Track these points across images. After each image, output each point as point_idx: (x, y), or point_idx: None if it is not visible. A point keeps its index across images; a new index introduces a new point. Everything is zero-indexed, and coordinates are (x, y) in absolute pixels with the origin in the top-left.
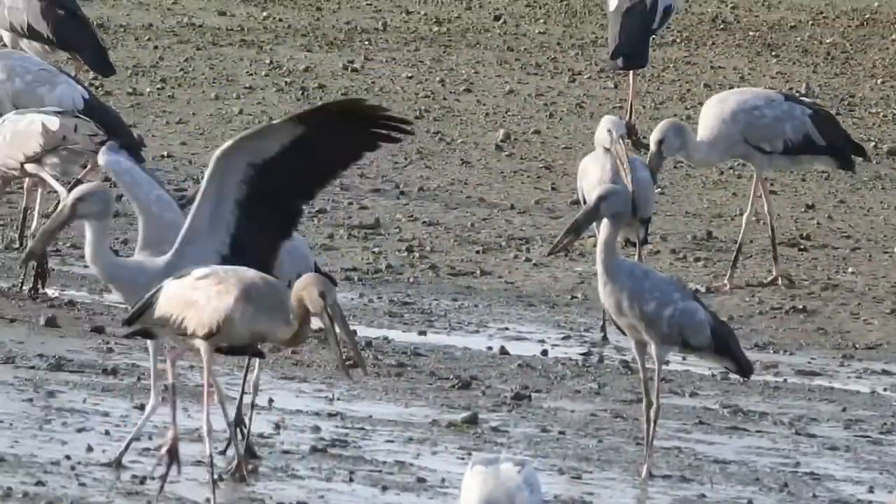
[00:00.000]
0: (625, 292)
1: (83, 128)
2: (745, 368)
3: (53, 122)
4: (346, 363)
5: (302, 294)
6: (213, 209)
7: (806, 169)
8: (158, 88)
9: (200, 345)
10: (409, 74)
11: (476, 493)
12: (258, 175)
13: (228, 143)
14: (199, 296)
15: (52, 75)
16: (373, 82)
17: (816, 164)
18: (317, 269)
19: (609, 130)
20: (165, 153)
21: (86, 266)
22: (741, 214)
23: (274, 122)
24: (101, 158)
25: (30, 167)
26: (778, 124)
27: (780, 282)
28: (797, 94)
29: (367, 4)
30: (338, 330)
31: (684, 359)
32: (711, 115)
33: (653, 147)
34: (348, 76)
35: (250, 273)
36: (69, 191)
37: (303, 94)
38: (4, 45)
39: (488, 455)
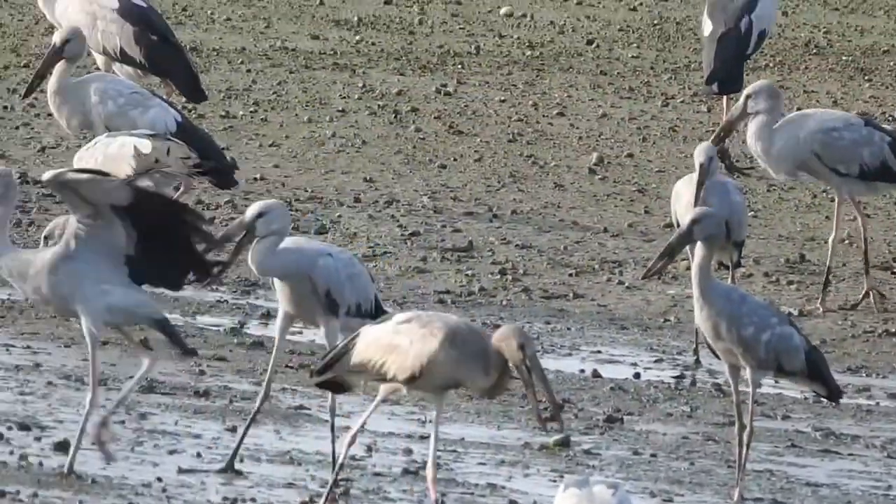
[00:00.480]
0: (722, 317)
1: (176, 151)
2: (834, 393)
3: (146, 146)
4: (544, 416)
5: (501, 345)
6: None
7: (883, 194)
8: (251, 112)
9: (397, 388)
10: (502, 98)
11: None
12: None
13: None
14: (402, 340)
15: (144, 98)
16: (465, 106)
17: (894, 191)
18: (376, 299)
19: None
20: (258, 176)
21: None
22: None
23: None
24: None
25: None
26: (855, 148)
27: (872, 295)
28: (884, 120)
29: (461, 28)
30: (536, 383)
31: (777, 382)
32: (790, 128)
33: (741, 99)
34: (441, 99)
35: (454, 318)
36: None
37: (395, 117)
38: (98, 69)
39: (579, 477)
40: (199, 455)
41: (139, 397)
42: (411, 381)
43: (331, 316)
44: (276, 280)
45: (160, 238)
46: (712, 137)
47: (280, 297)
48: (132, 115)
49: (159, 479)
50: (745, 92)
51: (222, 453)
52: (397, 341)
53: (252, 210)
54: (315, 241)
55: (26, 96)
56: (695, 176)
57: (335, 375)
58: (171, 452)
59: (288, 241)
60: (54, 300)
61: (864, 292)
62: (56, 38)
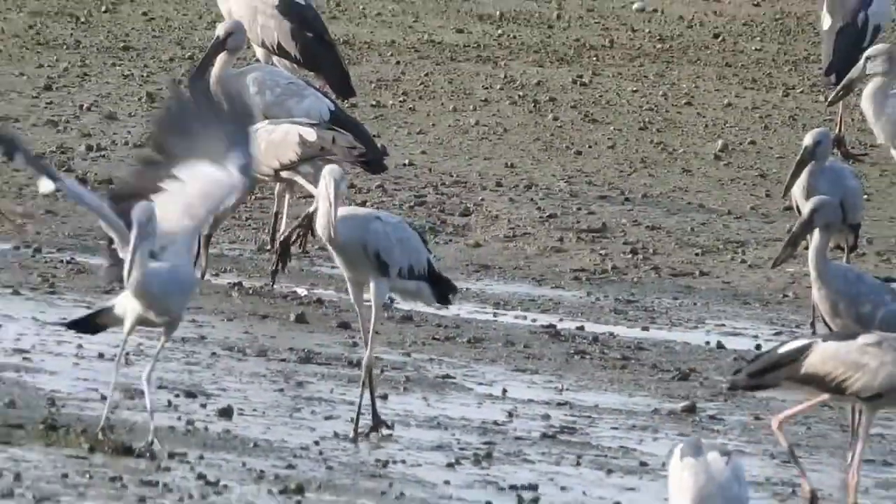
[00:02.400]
0: (840, 296)
1: (340, 140)
2: None
3: (311, 134)
4: None
5: None
6: None
7: None
8: (400, 101)
9: (860, 404)
10: (634, 88)
11: (690, 489)
12: None
13: None
14: (871, 361)
15: (300, 88)
16: (600, 96)
17: None
18: (429, 263)
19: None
20: (407, 161)
21: (333, 266)
22: None
23: None
24: None
25: (284, 174)
26: None
27: None
28: None
29: (596, 23)
30: None
31: None
32: None
33: (861, 61)
34: (577, 90)
35: None
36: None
37: (535, 106)
38: (258, 60)
39: (690, 439)
40: (352, 420)
41: (297, 367)
42: (873, 399)
43: (381, 277)
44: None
45: None
46: (831, 96)
47: (338, 264)
48: (288, 104)
49: (316, 443)
50: (866, 54)
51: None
52: (865, 361)
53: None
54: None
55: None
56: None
57: (766, 382)
58: (327, 418)
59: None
60: None
61: None
62: (219, 31)
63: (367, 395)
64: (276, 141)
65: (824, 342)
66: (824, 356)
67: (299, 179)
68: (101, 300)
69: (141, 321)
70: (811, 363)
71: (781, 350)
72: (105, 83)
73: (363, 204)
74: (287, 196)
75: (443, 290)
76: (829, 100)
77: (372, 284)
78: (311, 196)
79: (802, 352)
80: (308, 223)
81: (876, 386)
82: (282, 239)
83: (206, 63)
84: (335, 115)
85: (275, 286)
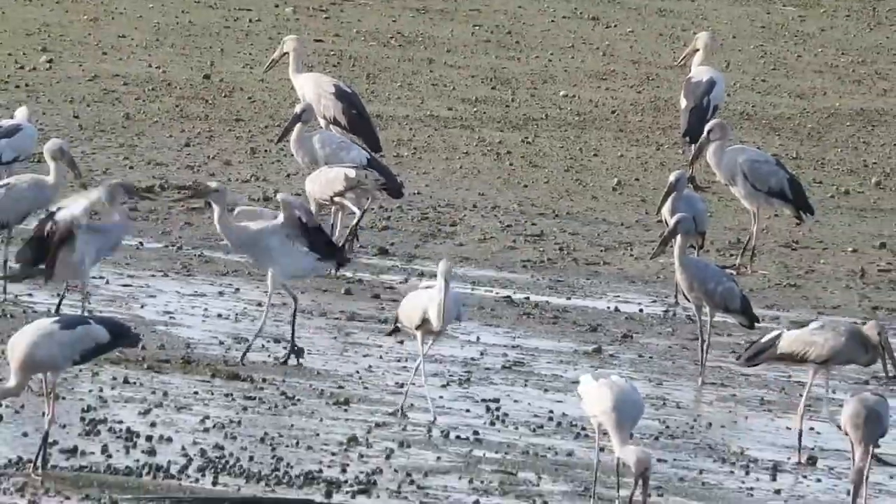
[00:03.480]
0: (694, 277)
1: (371, 177)
2: (752, 322)
3: (352, 173)
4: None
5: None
6: None
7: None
8: (412, 153)
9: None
10: (560, 145)
11: (608, 397)
12: None
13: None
14: (818, 338)
15: (348, 145)
16: (539, 150)
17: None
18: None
19: None
20: (416, 191)
21: (369, 258)
22: None
23: None
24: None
25: (337, 199)
26: (769, 175)
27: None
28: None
29: (537, 103)
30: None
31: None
32: (731, 153)
33: (705, 132)
34: (524, 146)
35: (845, 325)
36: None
37: (497, 156)
38: (321, 127)
39: (601, 370)
40: (381, 358)
41: (345, 323)
42: (825, 362)
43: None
44: None
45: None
46: (691, 157)
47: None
48: (340, 154)
49: (357, 372)
50: (707, 126)
51: (396, 356)
52: (815, 339)
53: None
54: None
55: (278, 142)
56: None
57: (757, 361)
58: (364, 356)
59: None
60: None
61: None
62: (297, 109)
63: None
64: (330, 178)
65: (788, 332)
66: (789, 340)
67: (346, 202)
68: (221, 280)
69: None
70: (782, 346)
71: (762, 340)
72: (224, 142)
73: (387, 218)
74: (340, 214)
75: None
76: (690, 160)
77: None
78: (354, 213)
79: (775, 340)
80: (355, 233)
81: (825, 354)
82: (340, 243)
83: (288, 129)
84: (370, 162)
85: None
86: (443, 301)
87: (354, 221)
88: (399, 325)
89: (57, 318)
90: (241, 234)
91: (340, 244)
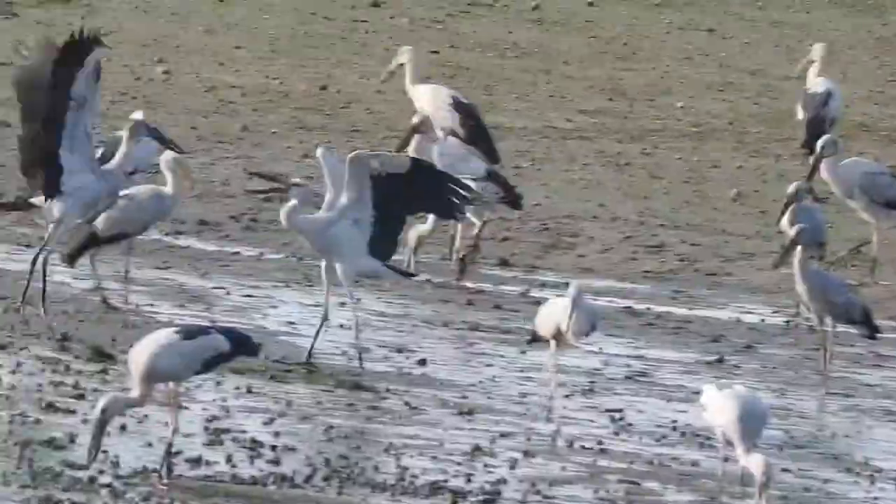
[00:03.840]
0: (815, 288)
1: (490, 189)
2: (874, 332)
3: (473, 185)
4: None
5: None
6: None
7: None
8: (530, 164)
9: None
10: (678, 156)
11: (734, 406)
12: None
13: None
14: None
15: (466, 155)
16: (656, 162)
17: None
18: None
19: None
20: (536, 202)
21: (490, 269)
22: None
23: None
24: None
25: None
26: (887, 188)
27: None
28: None
29: (654, 114)
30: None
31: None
32: (846, 166)
33: (818, 148)
34: (642, 158)
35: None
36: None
37: (616, 167)
38: (439, 138)
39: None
40: (504, 368)
41: (467, 333)
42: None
43: None
44: None
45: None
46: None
47: None
48: (459, 166)
49: (480, 382)
50: (819, 143)
51: (519, 366)
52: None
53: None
54: None
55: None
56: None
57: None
58: (487, 366)
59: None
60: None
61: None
62: (414, 120)
63: None
64: None
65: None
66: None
67: (467, 214)
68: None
69: None
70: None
71: None
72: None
73: (508, 229)
74: (460, 225)
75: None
76: (808, 173)
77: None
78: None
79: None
80: (476, 245)
81: None
82: (461, 255)
83: (405, 141)
84: (489, 173)
85: (456, 281)
86: (569, 322)
87: (474, 233)
88: (536, 333)
89: (178, 328)
90: (311, 224)
91: (461, 255)
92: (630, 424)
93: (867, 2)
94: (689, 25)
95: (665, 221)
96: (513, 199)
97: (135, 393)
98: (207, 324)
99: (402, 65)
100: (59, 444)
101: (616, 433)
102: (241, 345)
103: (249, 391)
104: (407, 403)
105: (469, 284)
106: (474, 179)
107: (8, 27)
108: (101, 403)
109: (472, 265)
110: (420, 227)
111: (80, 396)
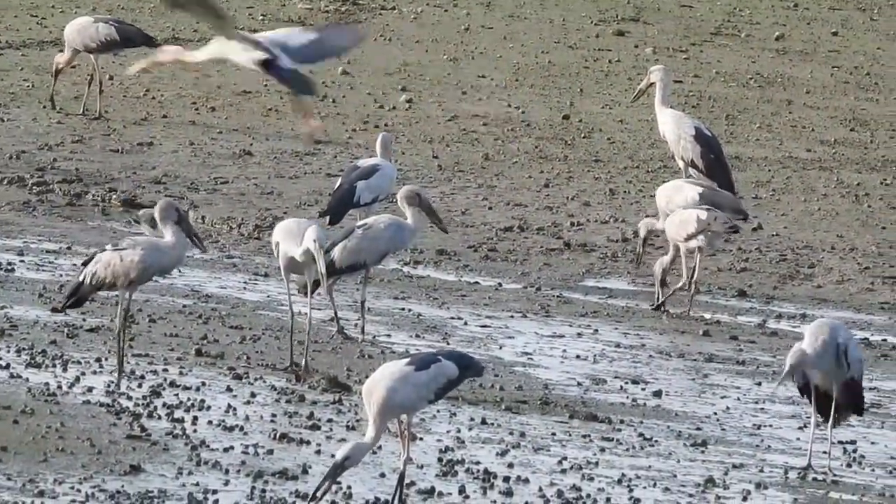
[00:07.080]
0: None
1: (720, 219)
2: None
3: (703, 215)
4: None
5: None
6: None
7: None
8: (770, 194)
9: None
10: None
11: None
12: None
13: None
14: None
15: (693, 182)
16: None
17: None
18: None
19: None
20: (774, 233)
21: (725, 303)
22: None
23: None
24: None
25: (684, 242)
26: None
27: None
28: None
29: None
30: None
31: None
32: None
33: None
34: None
35: None
36: None
37: (855, 198)
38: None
39: None
40: (738, 399)
41: (703, 365)
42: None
43: None
44: None
45: None
46: None
47: None
48: (689, 194)
49: (714, 413)
50: None
51: (753, 397)
52: None
53: None
54: None
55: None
56: None
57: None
58: (722, 398)
59: None
60: None
61: None
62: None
63: None
64: (684, 219)
65: None
66: None
67: (700, 244)
68: (579, 322)
69: None
70: None
71: None
72: (582, 182)
73: (746, 259)
74: (698, 255)
75: None
76: None
77: None
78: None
79: None
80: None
81: None
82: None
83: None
84: (703, 195)
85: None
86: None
87: (693, 265)
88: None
89: (409, 358)
90: None
91: (681, 285)
92: (863, 456)
93: None
94: None
95: None
96: (738, 226)
97: (370, 434)
98: (433, 350)
99: (652, 84)
100: (291, 475)
101: (848, 465)
102: (468, 367)
103: (484, 422)
104: (641, 435)
105: (706, 315)
106: (706, 209)
107: None
108: (343, 451)
109: (687, 291)
110: (663, 258)
111: (315, 427)
